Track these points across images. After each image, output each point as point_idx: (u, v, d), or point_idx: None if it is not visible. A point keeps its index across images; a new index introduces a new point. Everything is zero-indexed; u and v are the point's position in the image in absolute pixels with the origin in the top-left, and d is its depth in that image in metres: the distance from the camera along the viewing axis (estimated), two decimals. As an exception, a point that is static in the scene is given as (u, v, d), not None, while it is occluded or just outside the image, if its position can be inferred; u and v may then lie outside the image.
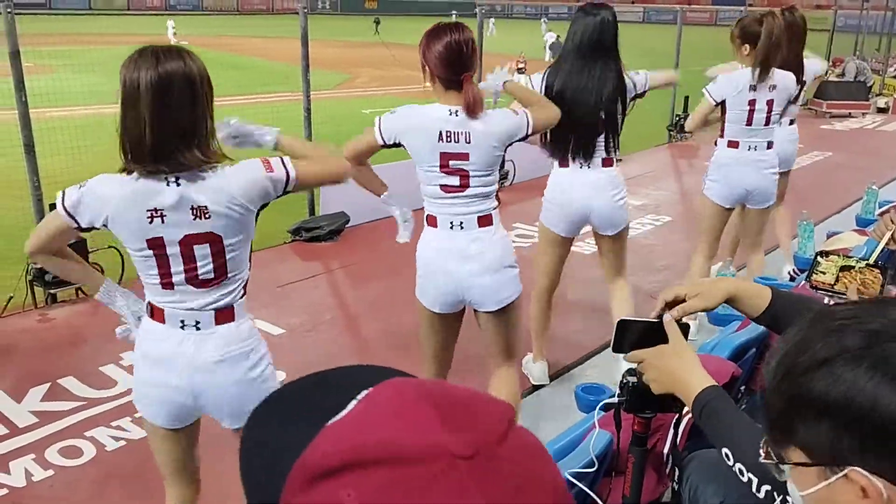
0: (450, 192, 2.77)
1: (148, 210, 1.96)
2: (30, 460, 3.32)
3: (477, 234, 2.82)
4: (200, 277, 2.06)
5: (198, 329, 2.10)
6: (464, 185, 2.76)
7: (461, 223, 2.81)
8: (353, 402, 0.54)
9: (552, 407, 3.80)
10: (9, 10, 4.51)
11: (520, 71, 18.42)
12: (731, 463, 1.42)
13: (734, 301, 1.61)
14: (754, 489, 1.39)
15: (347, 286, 5.61)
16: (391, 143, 2.77)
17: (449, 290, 2.88)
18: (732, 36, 4.20)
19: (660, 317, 1.58)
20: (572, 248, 6.24)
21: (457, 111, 2.69)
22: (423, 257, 2.91)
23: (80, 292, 5.10)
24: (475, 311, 2.97)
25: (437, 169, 2.74)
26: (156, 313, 2.10)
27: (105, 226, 2.01)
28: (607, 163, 3.65)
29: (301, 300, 5.10)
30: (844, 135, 12.07)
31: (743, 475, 1.40)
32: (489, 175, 2.80)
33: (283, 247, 6.24)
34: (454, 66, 2.67)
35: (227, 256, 2.08)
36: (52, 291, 4.96)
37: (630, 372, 1.67)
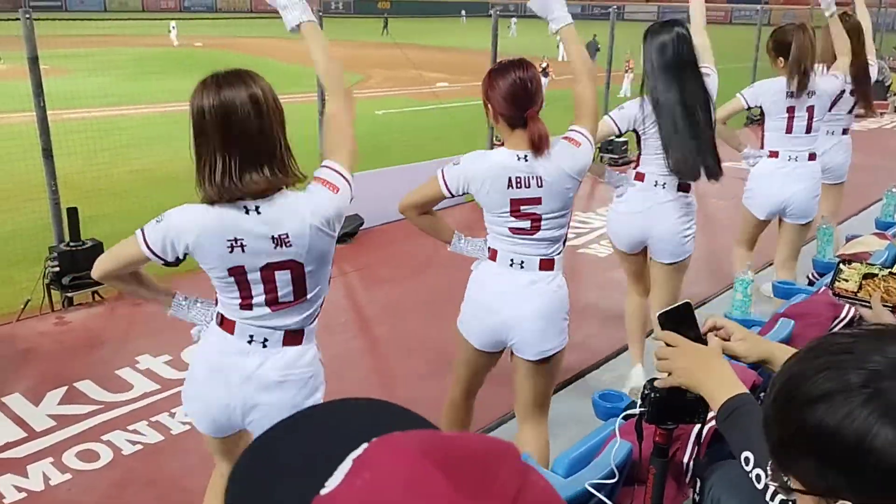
0: (518, 233, 2.66)
1: (228, 240, 1.97)
2: (48, 464, 3.33)
3: (536, 276, 2.69)
4: (280, 300, 2.07)
5: (264, 346, 2.10)
6: (535, 229, 2.66)
7: (522, 262, 2.68)
8: (346, 466, 0.48)
9: (568, 412, 3.78)
10: (27, 16, 4.55)
11: (544, 74, 18.48)
12: (749, 468, 1.39)
13: (769, 364, 1.58)
14: (768, 497, 1.37)
15: (361, 289, 5.61)
16: (458, 193, 2.66)
17: (494, 329, 2.74)
18: (768, 48, 4.19)
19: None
20: (587, 252, 6.27)
21: (525, 155, 2.57)
22: (475, 290, 2.78)
23: (96, 295, 5.13)
24: (512, 354, 2.83)
25: (508, 214, 2.63)
26: (226, 323, 2.11)
27: (186, 254, 2.02)
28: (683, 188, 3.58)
29: (316, 303, 5.10)
30: (862, 135, 11.93)
31: (759, 482, 1.38)
32: (563, 217, 2.69)
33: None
34: (519, 104, 2.56)
35: (308, 280, 2.09)
36: (68, 294, 4.99)
37: (651, 383, 1.65)
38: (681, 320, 1.55)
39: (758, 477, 1.37)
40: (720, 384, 1.44)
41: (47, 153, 4.91)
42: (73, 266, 4.96)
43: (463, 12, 48.24)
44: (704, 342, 1.54)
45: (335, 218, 2.09)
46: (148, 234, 2.01)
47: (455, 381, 2.98)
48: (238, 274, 2.01)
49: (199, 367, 2.19)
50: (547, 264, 2.70)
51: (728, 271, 5.31)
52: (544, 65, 18.82)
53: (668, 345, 1.52)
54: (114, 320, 4.96)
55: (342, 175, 2.12)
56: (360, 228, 6.44)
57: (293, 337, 2.13)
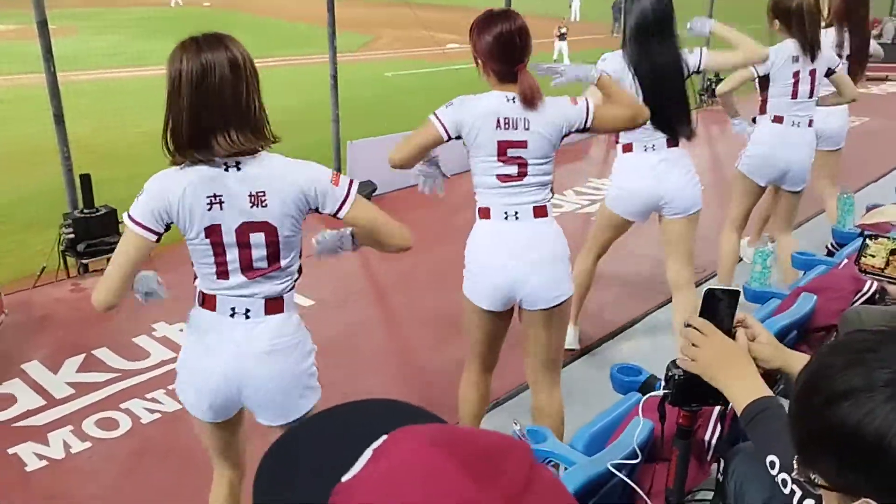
0: (507, 181, 2.64)
1: (207, 196, 1.95)
2: (68, 432, 3.37)
3: (533, 224, 2.69)
4: (255, 265, 2.04)
5: (247, 318, 2.08)
6: (521, 174, 2.64)
7: (516, 213, 2.66)
8: (366, 455, 0.52)
9: (584, 383, 3.78)
10: (35, -21, 4.48)
11: (561, 38, 17.41)
12: (774, 472, 1.38)
13: (788, 373, 1.55)
14: (795, 502, 1.36)
15: (376, 258, 5.57)
16: (455, 135, 2.61)
17: (503, 285, 2.70)
18: (768, 9, 4.12)
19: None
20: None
21: (514, 98, 2.58)
22: (475, 251, 2.74)
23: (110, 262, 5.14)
24: (520, 311, 2.80)
25: (495, 158, 2.61)
26: (207, 301, 2.09)
27: (171, 221, 1.99)
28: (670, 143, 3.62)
29: (331, 272, 5.08)
30: (881, 99, 11.77)
31: (785, 486, 1.36)
32: (547, 163, 2.68)
33: (311, 216, 6.22)
34: (508, 58, 2.56)
35: (281, 246, 2.06)
36: (84, 261, 5.00)
37: (674, 364, 1.63)
38: (724, 306, 1.52)
39: (784, 482, 1.35)
40: (745, 385, 1.42)
41: (59, 119, 4.88)
42: (87, 233, 4.96)
43: None
44: (733, 336, 1.52)
45: (314, 197, 2.03)
46: (136, 214, 1.97)
47: (471, 352, 2.95)
48: (214, 234, 1.98)
49: (189, 352, 2.16)
50: (540, 211, 2.69)
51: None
52: (563, 30, 18.05)
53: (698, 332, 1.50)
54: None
55: (349, 190, 2.07)
56: (374, 195, 6.41)
57: (274, 304, 2.11)
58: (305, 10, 13.29)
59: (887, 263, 2.30)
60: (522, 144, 2.60)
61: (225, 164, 1.96)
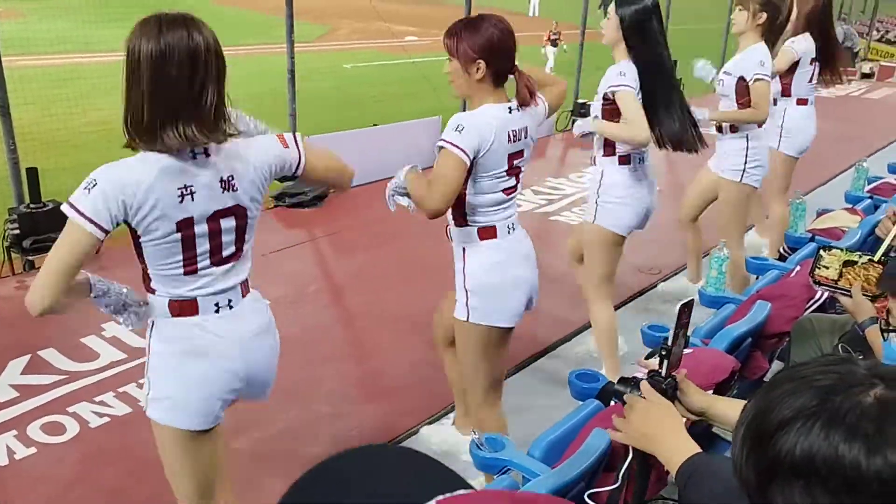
0: (510, 193, 2.60)
1: (178, 188, 1.84)
2: (11, 437, 3.25)
3: (522, 232, 2.70)
4: (224, 255, 1.99)
5: (231, 308, 2.04)
6: (517, 184, 2.62)
7: (512, 225, 2.64)
8: None
9: (539, 386, 3.80)
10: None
11: (553, 44, 16.13)
12: None
13: (707, 417, 1.60)
14: None
15: (332, 255, 5.54)
16: (475, 156, 2.44)
17: (523, 297, 2.68)
18: (748, 2, 4.00)
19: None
20: (559, 219, 6.26)
21: (512, 108, 2.51)
22: (489, 274, 2.61)
23: (58, 258, 4.99)
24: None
25: (505, 173, 2.53)
26: (184, 308, 1.97)
27: (125, 220, 1.82)
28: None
29: (285, 270, 5.02)
30: (830, 101, 12.05)
31: None
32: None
33: (265, 213, 6.13)
34: (510, 56, 2.47)
35: (247, 228, 2.02)
36: (29, 258, 4.84)
37: (625, 380, 1.67)
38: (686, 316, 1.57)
39: None
40: (674, 447, 1.44)
41: (4, 111, 4.71)
42: (33, 229, 4.80)
43: None
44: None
45: (277, 168, 2.02)
46: (84, 207, 1.77)
47: (481, 388, 2.79)
48: (185, 228, 1.88)
49: (181, 368, 2.01)
50: (516, 219, 2.71)
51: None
52: (556, 34, 16.19)
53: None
54: (77, 285, 4.83)
55: (298, 146, 2.06)
56: (331, 192, 6.34)
57: (244, 287, 2.09)
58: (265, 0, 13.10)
59: (840, 275, 2.36)
60: (522, 154, 2.57)
61: (192, 151, 1.86)
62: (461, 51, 2.44)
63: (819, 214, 4.52)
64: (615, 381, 1.75)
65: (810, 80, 4.84)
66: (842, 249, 2.43)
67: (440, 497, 0.53)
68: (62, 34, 9.52)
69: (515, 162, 2.55)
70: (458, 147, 2.39)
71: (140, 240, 1.89)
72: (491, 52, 2.43)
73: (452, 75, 2.50)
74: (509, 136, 2.49)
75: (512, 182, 2.59)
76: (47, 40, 10.05)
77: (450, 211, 2.55)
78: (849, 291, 2.30)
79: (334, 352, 4.09)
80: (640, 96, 3.26)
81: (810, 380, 0.91)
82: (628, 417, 1.51)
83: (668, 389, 1.55)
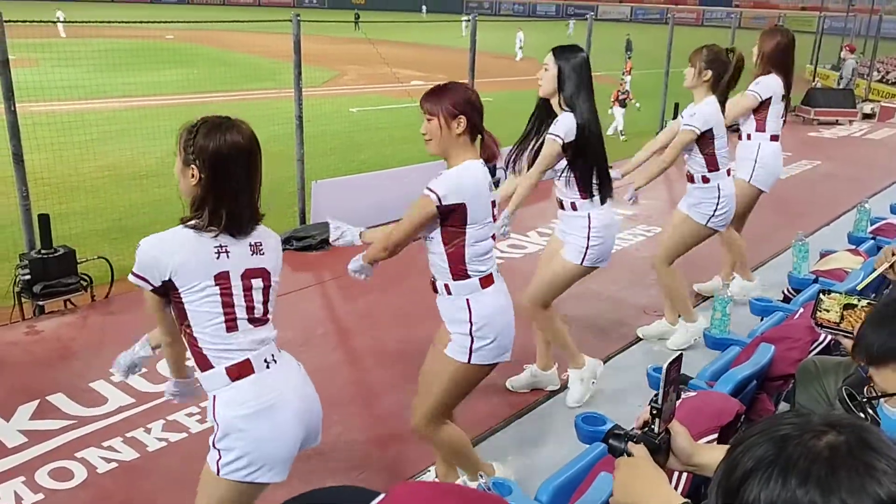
0: (495, 239, 2.88)
1: (215, 247, 2.13)
2: (20, 483, 3.26)
3: (499, 273, 2.93)
4: (255, 314, 2.20)
5: (276, 362, 2.24)
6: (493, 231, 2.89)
7: (497, 269, 2.90)
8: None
9: (547, 427, 3.79)
10: (-2, 18, 4.44)
11: (622, 104, 12.93)
12: None
13: (695, 466, 1.60)
14: None
15: (339, 298, 5.57)
16: (449, 203, 2.65)
17: (512, 332, 2.92)
18: (697, 59, 4.33)
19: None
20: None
21: (483, 162, 2.78)
22: (492, 316, 2.81)
23: (68, 303, 5.03)
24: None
25: (492, 219, 2.79)
26: (242, 370, 2.17)
27: (169, 279, 2.10)
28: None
29: (293, 313, 5.05)
30: (832, 143, 12.16)
31: None
32: None
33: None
34: (482, 115, 2.76)
35: (271, 294, 2.26)
36: (40, 303, 4.89)
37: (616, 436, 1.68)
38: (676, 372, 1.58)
39: None
40: (657, 501, 1.44)
41: (18, 158, 4.80)
42: (44, 274, 4.86)
43: (423, 7, 48.09)
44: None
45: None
46: (142, 272, 2.12)
47: (446, 407, 2.97)
48: (223, 280, 2.13)
49: (252, 429, 2.16)
50: None
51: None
52: (624, 94, 12.90)
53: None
54: (86, 330, 4.87)
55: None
56: (337, 234, 6.39)
57: (276, 344, 2.31)
58: (269, 45, 13.36)
59: (842, 318, 2.38)
60: (494, 202, 2.82)
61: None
62: (444, 108, 2.69)
63: (822, 256, 4.55)
64: (614, 430, 1.75)
65: (781, 117, 5.05)
66: (841, 293, 2.46)
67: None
68: (73, 81, 9.71)
69: (494, 210, 2.82)
70: (435, 192, 2.64)
71: (183, 300, 2.12)
72: (471, 108, 2.70)
73: (430, 134, 2.73)
74: (490, 186, 2.78)
75: (494, 228, 2.87)
76: (59, 87, 10.26)
77: (447, 269, 2.77)
78: (851, 333, 2.32)
79: (341, 395, 4.10)
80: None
81: (769, 431, 0.95)
82: (616, 476, 1.51)
83: (662, 444, 1.57)
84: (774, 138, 5.08)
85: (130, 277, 2.14)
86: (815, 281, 3.95)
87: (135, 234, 7.40)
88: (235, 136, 2.11)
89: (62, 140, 7.93)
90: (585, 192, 3.70)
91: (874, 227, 4.99)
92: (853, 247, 4.54)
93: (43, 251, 4.95)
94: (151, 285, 2.11)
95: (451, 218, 2.68)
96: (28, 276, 4.83)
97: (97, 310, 5.10)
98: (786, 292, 4.68)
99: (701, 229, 4.59)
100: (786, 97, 5.07)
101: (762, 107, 4.99)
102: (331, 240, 3.04)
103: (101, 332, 4.84)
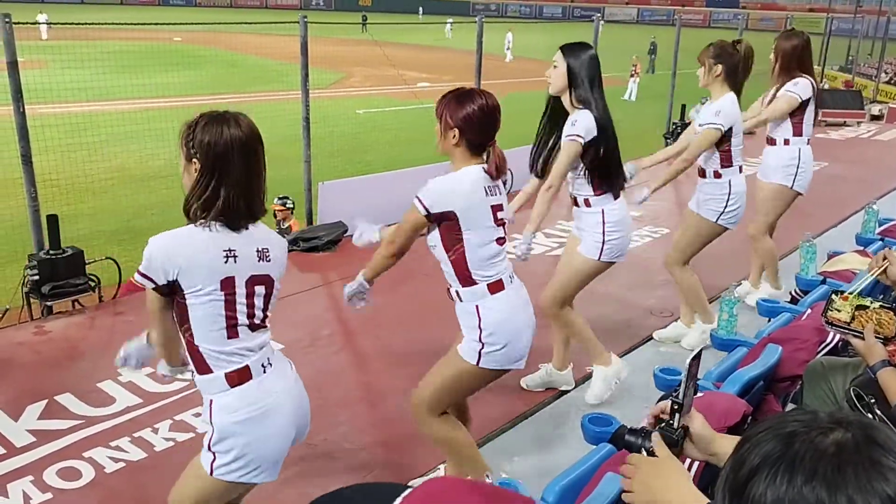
0: (502, 244, 2.82)
1: (224, 251, 2.12)
2: (28, 483, 3.27)
3: (518, 279, 2.91)
4: (256, 321, 2.21)
5: (272, 365, 2.26)
6: (505, 235, 2.85)
7: (511, 275, 2.86)
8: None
9: (552, 430, 3.78)
10: (6, 20, 4.46)
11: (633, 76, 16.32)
12: None
13: (716, 458, 1.60)
14: None
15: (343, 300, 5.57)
16: (437, 212, 2.69)
17: (530, 340, 2.90)
18: (705, 56, 4.35)
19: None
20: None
21: (484, 168, 2.75)
22: (504, 324, 2.80)
23: (76, 304, 5.06)
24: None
25: (494, 223, 2.76)
26: (241, 376, 2.18)
27: (175, 280, 2.09)
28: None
29: (299, 313, 5.06)
30: (840, 144, 12.11)
31: None
32: None
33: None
34: (489, 133, 2.72)
35: (272, 298, 2.26)
36: (48, 303, 4.91)
37: (642, 432, 1.67)
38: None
39: None
40: (680, 501, 1.43)
41: (27, 159, 4.82)
42: (53, 275, 4.88)
43: (420, 9, 48.11)
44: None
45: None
46: (148, 270, 2.11)
47: (447, 402, 2.99)
48: (228, 287, 2.12)
49: (248, 431, 2.18)
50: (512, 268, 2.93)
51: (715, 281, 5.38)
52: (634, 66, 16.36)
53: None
54: (94, 330, 4.88)
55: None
56: (344, 236, 6.41)
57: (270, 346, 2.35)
58: (276, 47, 13.41)
59: (853, 318, 2.37)
60: (502, 207, 2.79)
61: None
62: (443, 117, 2.72)
63: (830, 257, 4.53)
64: (628, 427, 1.75)
65: (812, 121, 4.99)
66: (853, 294, 2.45)
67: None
68: (81, 82, 9.77)
69: (499, 214, 2.78)
70: (421, 203, 2.68)
71: (187, 302, 2.11)
72: (466, 125, 2.68)
73: (437, 134, 2.77)
74: (486, 190, 2.73)
75: (501, 233, 2.82)
76: (68, 89, 10.31)
77: (455, 276, 2.78)
78: (861, 333, 2.31)
79: (347, 396, 4.11)
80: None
81: (775, 428, 0.95)
82: (636, 476, 1.48)
83: (679, 440, 1.56)
84: (808, 142, 5.04)
85: (136, 276, 2.12)
86: (823, 282, 3.93)
87: (143, 235, 7.43)
88: (234, 129, 2.10)
89: (71, 142, 7.98)
90: (599, 189, 3.69)
91: (882, 228, 4.96)
92: (861, 248, 4.52)
93: (51, 252, 4.98)
94: (155, 283, 2.10)
95: (446, 225, 2.71)
96: (36, 277, 4.86)
97: (105, 310, 5.12)
98: (793, 293, 4.67)
99: (712, 226, 4.55)
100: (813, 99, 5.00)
101: (798, 110, 4.92)
102: (353, 240, 3.09)
103: (108, 333, 4.85)
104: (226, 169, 2.09)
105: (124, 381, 4.11)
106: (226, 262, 2.11)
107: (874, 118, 14.28)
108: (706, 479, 2.12)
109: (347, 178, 7.32)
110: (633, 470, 1.51)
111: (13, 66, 4.62)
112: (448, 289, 2.86)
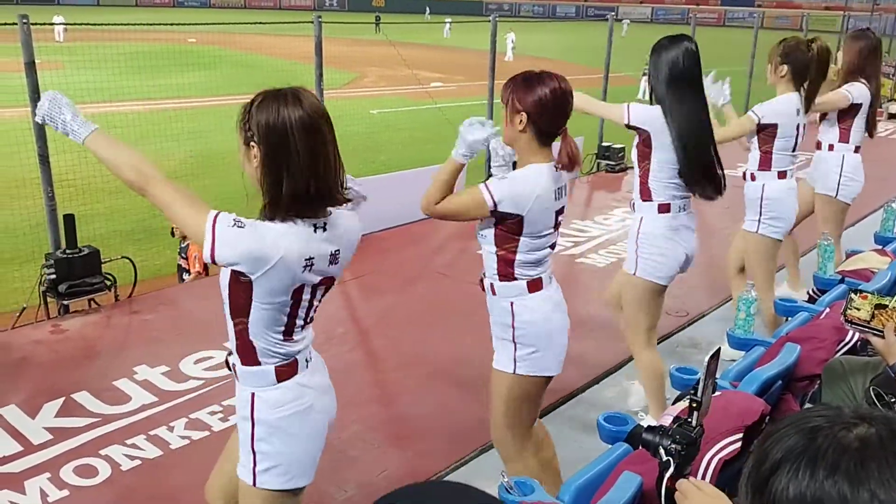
0: (553, 248, 2.69)
1: (306, 259, 1.92)
2: (45, 480, 3.30)
3: (555, 280, 2.77)
4: (308, 319, 2.09)
5: (312, 359, 2.15)
6: (557, 237, 2.71)
7: (550, 275, 2.72)
8: None
9: (569, 430, 3.77)
10: (24, 21, 4.49)
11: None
12: None
13: None
14: None
15: (359, 298, 5.58)
16: (504, 210, 2.50)
17: (566, 343, 2.77)
18: (771, 55, 4.12)
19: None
20: (585, 262, 6.27)
21: (556, 166, 2.58)
22: (540, 324, 2.66)
23: (92, 303, 5.09)
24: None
25: (553, 230, 2.62)
26: (290, 371, 2.06)
27: (252, 272, 1.87)
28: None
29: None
30: (857, 142, 11.98)
31: None
32: None
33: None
34: (561, 116, 2.53)
35: (324, 294, 2.10)
36: (64, 302, 4.94)
37: (667, 433, 1.65)
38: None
39: None
40: None
41: (44, 159, 4.86)
42: (69, 273, 4.91)
43: (427, 9, 48.13)
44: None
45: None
46: (222, 234, 1.84)
47: (513, 439, 2.83)
48: (297, 293, 1.96)
49: (287, 426, 2.08)
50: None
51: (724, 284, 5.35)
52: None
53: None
54: (110, 329, 4.92)
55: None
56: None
57: None
58: (290, 48, 13.45)
59: (872, 316, 2.34)
60: (563, 210, 2.65)
61: (314, 224, 1.94)
62: (509, 101, 2.53)
63: (848, 256, 4.49)
64: (645, 427, 1.74)
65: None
66: (873, 293, 2.42)
67: None
68: (97, 83, 9.84)
69: (559, 218, 2.63)
70: (489, 192, 2.48)
71: (252, 303, 1.93)
72: (537, 110, 2.48)
73: (503, 122, 2.58)
74: (555, 194, 2.56)
75: (556, 237, 2.68)
76: (84, 90, 10.39)
77: (494, 268, 2.63)
78: (881, 332, 2.29)
79: (360, 395, 4.11)
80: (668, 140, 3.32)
81: (798, 423, 0.94)
82: (691, 499, 1.44)
83: (698, 438, 1.54)
84: (857, 150, 4.82)
85: (224, 258, 1.84)
86: (841, 281, 3.89)
87: (157, 235, 7.53)
88: (293, 108, 1.85)
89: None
90: (645, 194, 3.45)
91: (904, 227, 4.91)
92: (880, 247, 4.47)
93: (68, 251, 5.01)
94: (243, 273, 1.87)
95: (506, 223, 2.54)
96: (53, 276, 4.89)
97: (121, 309, 5.15)
98: (811, 292, 4.63)
99: (758, 241, 4.33)
100: (872, 107, 4.72)
101: (848, 114, 4.67)
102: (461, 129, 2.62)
103: (124, 332, 4.88)
104: (287, 153, 1.85)
105: (140, 380, 4.14)
106: (303, 270, 1.92)
107: (892, 116, 14.13)
108: (723, 479, 2.10)
109: (362, 177, 7.31)
110: (680, 500, 1.48)
111: (31, 66, 4.65)
112: (481, 279, 2.72)
